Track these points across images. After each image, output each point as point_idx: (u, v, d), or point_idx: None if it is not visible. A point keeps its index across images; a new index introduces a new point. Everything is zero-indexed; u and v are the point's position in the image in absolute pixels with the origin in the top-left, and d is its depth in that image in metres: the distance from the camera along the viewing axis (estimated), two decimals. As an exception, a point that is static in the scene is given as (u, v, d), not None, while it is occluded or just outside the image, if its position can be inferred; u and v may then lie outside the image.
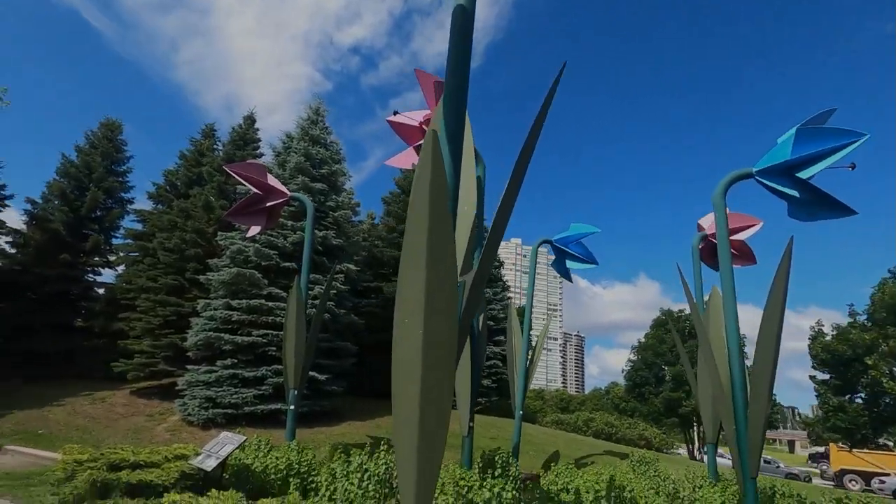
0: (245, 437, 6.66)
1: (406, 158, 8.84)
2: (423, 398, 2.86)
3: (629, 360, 38.97)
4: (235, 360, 14.54)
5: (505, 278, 29.90)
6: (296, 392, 9.83)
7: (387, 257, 23.95)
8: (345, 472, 7.02)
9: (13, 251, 23.60)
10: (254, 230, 10.97)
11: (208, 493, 5.28)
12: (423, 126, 8.65)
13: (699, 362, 10.71)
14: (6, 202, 25.10)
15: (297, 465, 7.38)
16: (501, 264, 30.30)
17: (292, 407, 9.76)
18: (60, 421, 15.26)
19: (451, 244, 2.83)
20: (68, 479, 6.54)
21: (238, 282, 15.36)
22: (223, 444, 6.56)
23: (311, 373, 15.00)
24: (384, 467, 6.48)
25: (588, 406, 66.39)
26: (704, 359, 10.19)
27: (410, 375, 2.92)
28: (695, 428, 34.94)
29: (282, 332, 15.00)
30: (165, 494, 5.59)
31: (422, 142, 8.45)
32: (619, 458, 16.56)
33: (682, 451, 34.15)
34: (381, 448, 6.85)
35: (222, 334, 14.65)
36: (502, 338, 24.55)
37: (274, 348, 14.79)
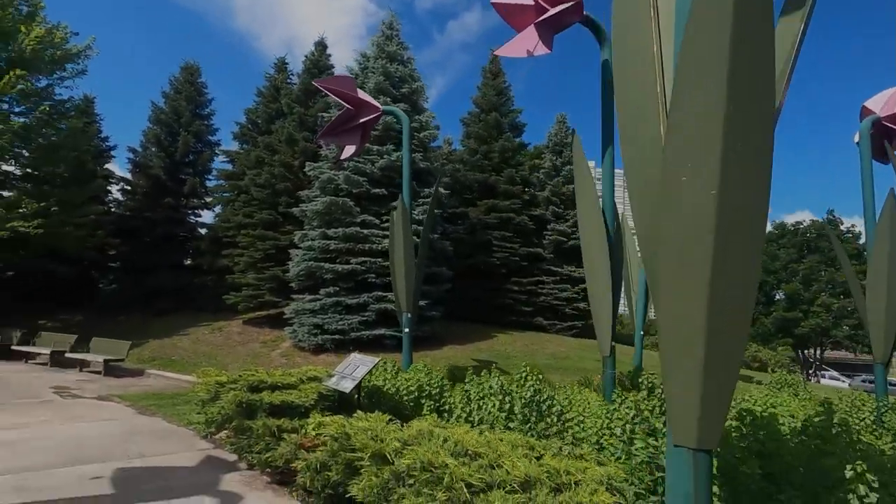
0: (378, 359, 6.33)
1: (519, 45, 7.51)
2: (714, 291, 1.92)
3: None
4: (337, 288, 14.67)
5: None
6: (409, 316, 9.49)
7: (470, 181, 22.95)
8: (480, 395, 6.55)
9: (123, 198, 25.45)
10: (348, 151, 10.33)
11: (355, 415, 4.94)
12: (541, 1, 7.22)
13: (871, 273, 8.96)
14: (112, 153, 26.77)
15: (427, 387, 7.06)
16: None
17: (406, 330, 9.48)
18: (188, 348, 16.60)
19: (770, 43, 1.74)
20: (212, 399, 6.62)
21: (331, 211, 15.18)
22: (356, 366, 6.27)
23: (410, 299, 14.90)
24: (531, 390, 5.89)
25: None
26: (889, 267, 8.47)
27: (691, 256, 1.97)
28: (812, 350, 32.20)
29: (379, 260, 14.85)
30: (313, 414, 5.37)
31: (544, 16, 7.06)
32: (741, 381, 15.32)
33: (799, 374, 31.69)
34: (523, 369, 6.25)
35: (322, 263, 14.73)
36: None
37: (373, 275, 14.70)
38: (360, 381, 6.00)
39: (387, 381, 7.28)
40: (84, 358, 13.48)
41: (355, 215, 15.17)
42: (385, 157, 15.59)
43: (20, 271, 22.79)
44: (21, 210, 16.48)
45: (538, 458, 3.88)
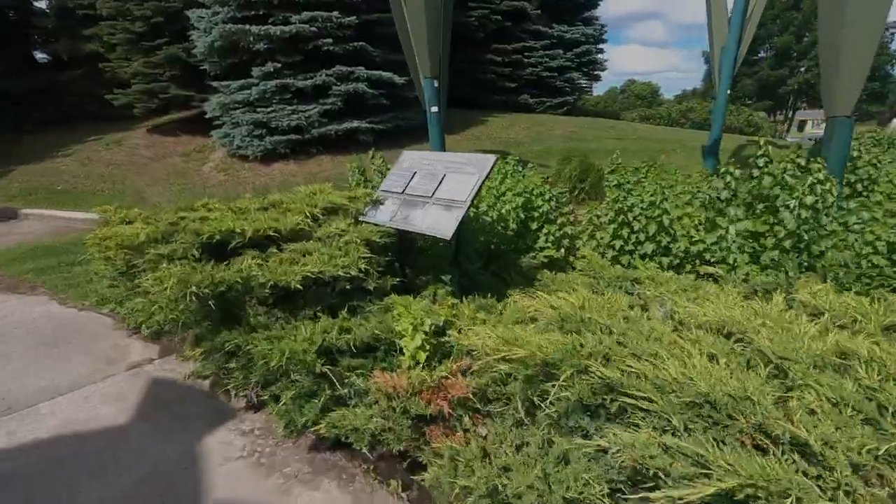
0: (496, 158, 2.88)
1: None
2: None
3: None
4: (278, 65, 9.97)
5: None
6: (436, 84, 5.72)
7: None
8: (655, 208, 3.52)
9: None
10: None
11: (556, 285, 1.80)
12: None
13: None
14: None
15: (537, 200, 3.90)
16: None
17: (435, 109, 5.83)
18: (77, 173, 11.95)
19: None
20: (125, 275, 3.16)
21: (240, -67, 9.38)
22: (436, 177, 2.88)
23: (386, 74, 10.63)
24: (817, 191, 2.87)
25: (611, 106, 62.70)
26: None
27: None
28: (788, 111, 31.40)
29: (335, 14, 9.91)
30: (412, 309, 2.13)
31: None
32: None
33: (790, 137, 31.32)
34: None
35: (245, 26, 9.65)
36: (592, 12, 18.67)
37: (330, 41, 9.95)
38: (467, 211, 2.68)
39: (487, 194, 3.98)
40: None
41: (282, -61, 9.51)
42: None
43: None
44: None
45: None
